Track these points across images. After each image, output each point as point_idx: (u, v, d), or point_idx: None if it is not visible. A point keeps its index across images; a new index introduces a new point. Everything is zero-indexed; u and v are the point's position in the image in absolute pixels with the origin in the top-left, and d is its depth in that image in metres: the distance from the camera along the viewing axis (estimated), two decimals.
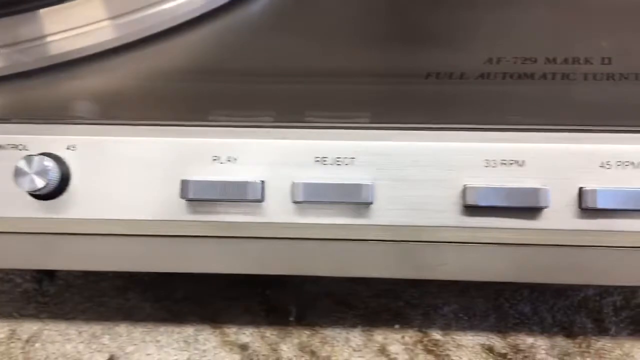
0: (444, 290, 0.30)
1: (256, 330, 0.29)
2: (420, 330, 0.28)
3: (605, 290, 0.30)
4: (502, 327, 0.28)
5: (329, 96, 0.25)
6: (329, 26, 0.29)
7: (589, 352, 0.27)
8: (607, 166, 0.22)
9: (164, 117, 0.24)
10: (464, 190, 0.22)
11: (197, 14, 0.30)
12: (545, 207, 0.22)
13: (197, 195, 0.22)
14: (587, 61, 0.26)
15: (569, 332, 0.28)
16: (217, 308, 0.29)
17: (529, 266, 0.23)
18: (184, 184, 0.22)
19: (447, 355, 0.27)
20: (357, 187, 0.22)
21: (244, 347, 0.28)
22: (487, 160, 0.23)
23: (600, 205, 0.22)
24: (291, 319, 0.29)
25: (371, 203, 0.23)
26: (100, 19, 0.28)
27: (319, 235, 0.23)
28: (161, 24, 0.29)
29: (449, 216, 0.23)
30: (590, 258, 0.23)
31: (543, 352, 0.27)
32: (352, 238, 0.23)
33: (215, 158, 0.23)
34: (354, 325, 0.29)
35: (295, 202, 0.23)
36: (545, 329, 0.28)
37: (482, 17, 0.28)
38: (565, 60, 0.26)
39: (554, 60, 0.26)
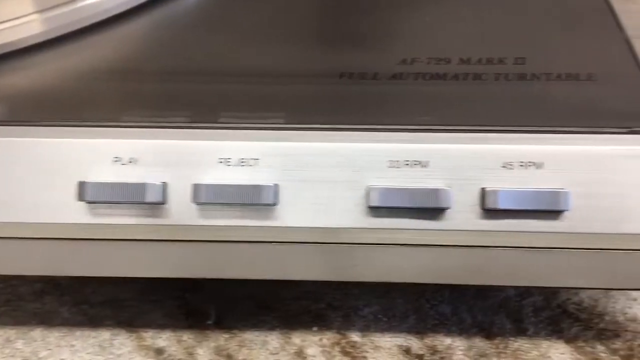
0: (366, 292, 0.30)
1: (173, 334, 0.28)
2: (338, 332, 0.28)
3: (526, 291, 0.30)
4: (421, 328, 0.28)
5: (243, 97, 0.25)
6: (245, 26, 0.28)
7: (505, 353, 0.27)
8: (510, 167, 0.22)
9: (74, 118, 0.24)
10: (368, 191, 0.22)
11: (121, 9, 0.29)
12: (448, 207, 0.22)
13: (95, 198, 0.22)
14: (500, 61, 0.26)
15: (488, 333, 0.28)
16: (135, 312, 0.29)
17: (434, 267, 0.23)
18: (82, 185, 0.22)
19: (364, 357, 0.27)
20: (258, 189, 0.22)
21: (159, 352, 0.28)
22: (391, 160, 0.22)
23: (501, 206, 0.22)
24: (210, 322, 0.28)
25: (275, 205, 0.22)
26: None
27: (223, 238, 0.23)
28: (80, 21, 0.28)
29: (354, 217, 0.22)
30: (494, 259, 0.23)
31: (460, 353, 0.27)
32: (257, 240, 0.23)
33: (116, 159, 0.23)
34: (272, 328, 0.28)
35: (198, 204, 0.22)
36: (464, 330, 0.28)
37: (398, 18, 0.28)
38: (479, 61, 0.26)
39: (468, 60, 0.26)
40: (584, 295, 0.29)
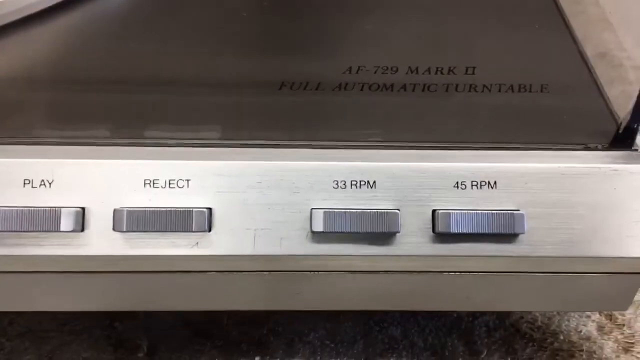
0: (311, 316, 0.28)
1: None
2: None
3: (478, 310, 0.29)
4: (370, 353, 0.27)
5: (171, 109, 0.23)
6: (177, 31, 0.26)
7: None
8: (462, 186, 0.21)
9: None
10: (311, 215, 0.20)
11: (35, 9, 0.26)
12: (397, 232, 0.20)
13: (3, 227, 0.19)
14: (450, 71, 0.25)
15: (440, 357, 0.27)
16: (58, 343, 0.26)
17: (383, 294, 0.21)
18: None
19: None
20: (190, 214, 0.20)
21: None
22: (336, 181, 0.21)
23: (454, 230, 0.20)
24: (141, 354, 0.26)
25: (207, 231, 0.20)
26: None
27: (150, 268, 0.20)
28: None
29: (297, 243, 0.21)
30: (446, 284, 0.21)
31: None
32: (188, 270, 0.21)
33: (26, 181, 0.20)
34: (211, 358, 0.26)
35: (119, 232, 0.20)
36: (415, 354, 0.27)
37: (343, 23, 0.26)
38: (428, 70, 0.25)
39: (416, 70, 0.25)
40: (537, 313, 0.28)
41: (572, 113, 0.23)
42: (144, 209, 0.19)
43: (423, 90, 0.24)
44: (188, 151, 0.21)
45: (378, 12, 0.26)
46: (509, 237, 0.20)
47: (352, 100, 0.23)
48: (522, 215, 0.20)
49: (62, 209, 0.19)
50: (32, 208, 0.19)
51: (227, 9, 0.27)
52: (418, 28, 0.26)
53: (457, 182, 0.21)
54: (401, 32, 0.26)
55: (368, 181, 0.21)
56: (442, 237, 0.20)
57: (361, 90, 0.24)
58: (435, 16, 0.27)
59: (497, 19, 0.27)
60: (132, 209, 0.19)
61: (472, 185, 0.21)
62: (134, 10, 0.26)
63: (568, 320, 0.28)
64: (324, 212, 0.20)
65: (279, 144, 0.21)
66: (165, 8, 0.27)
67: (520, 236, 0.20)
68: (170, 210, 0.20)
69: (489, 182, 0.21)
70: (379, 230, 0.20)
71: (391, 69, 0.25)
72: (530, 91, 0.24)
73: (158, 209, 0.20)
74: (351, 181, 0.21)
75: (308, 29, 0.26)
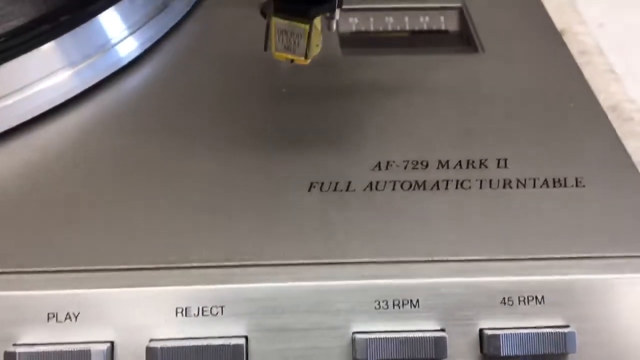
0: None
1: None
2: None
3: None
4: None
5: (193, 226, 0.21)
6: (188, 126, 0.25)
7: None
8: (509, 302, 0.20)
9: None
10: (354, 341, 0.19)
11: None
12: (444, 358, 0.19)
13: None
14: (482, 164, 0.24)
15: None
16: None
17: None
18: (9, 357, 0.18)
19: None
20: (226, 349, 0.18)
21: None
22: (377, 300, 0.20)
23: (503, 352, 0.19)
24: None
25: None
26: None
27: None
28: None
29: None
30: None
31: None
32: None
33: (51, 315, 0.19)
34: None
35: None
36: None
37: (368, 114, 0.26)
38: (459, 164, 0.24)
39: (447, 163, 0.24)
40: None
41: (612, 212, 0.22)
42: (178, 345, 0.18)
43: (457, 187, 0.23)
44: (219, 274, 0.20)
45: (400, 102, 0.26)
46: (560, 356, 0.20)
47: (384, 203, 0.22)
48: (573, 334, 0.19)
49: (92, 350, 0.18)
50: (59, 348, 0.18)
51: (244, 106, 0.26)
52: (443, 117, 0.26)
53: (504, 298, 0.20)
54: (426, 121, 0.25)
55: (411, 300, 0.20)
56: (490, 359, 0.19)
57: (393, 189, 0.23)
58: (459, 103, 0.26)
59: (521, 103, 0.26)
60: (165, 346, 0.18)
61: (519, 301, 0.20)
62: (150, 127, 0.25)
63: None
64: (368, 340, 0.19)
65: (313, 263, 0.20)
66: (184, 106, 0.25)
67: (570, 356, 0.20)
68: (207, 346, 0.18)
69: (536, 297, 0.20)
70: (426, 357, 0.19)
71: (421, 163, 0.24)
72: (565, 186, 0.23)
73: (193, 344, 0.18)
74: (393, 300, 0.20)
75: (333, 123, 0.25)
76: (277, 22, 0.20)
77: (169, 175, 0.23)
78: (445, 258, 0.20)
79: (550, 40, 0.30)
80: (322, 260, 0.20)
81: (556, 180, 0.23)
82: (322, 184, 0.23)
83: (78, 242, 0.20)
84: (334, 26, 0.21)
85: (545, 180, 0.23)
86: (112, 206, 0.21)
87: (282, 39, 0.20)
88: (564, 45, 0.30)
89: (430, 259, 0.20)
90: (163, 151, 0.24)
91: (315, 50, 0.20)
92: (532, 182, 0.23)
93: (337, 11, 0.20)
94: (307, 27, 0.20)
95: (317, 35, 0.20)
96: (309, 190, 0.23)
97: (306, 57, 0.20)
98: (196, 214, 0.21)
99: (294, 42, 0.20)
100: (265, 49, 0.20)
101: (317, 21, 0.20)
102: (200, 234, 0.21)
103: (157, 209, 0.21)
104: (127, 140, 0.24)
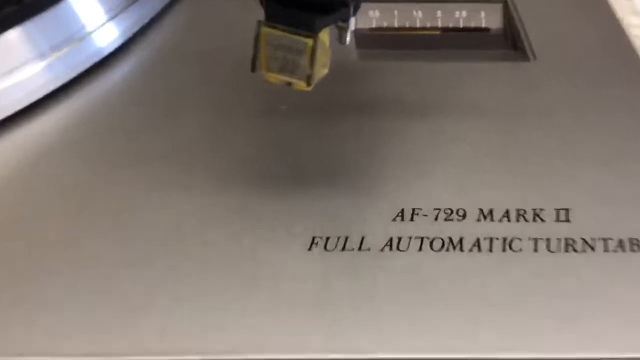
0: None
1: None
2: None
3: None
4: None
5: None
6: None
7: None
8: None
9: None
10: None
11: None
12: None
13: None
14: (537, 215, 0.18)
15: None
16: None
17: None
18: None
19: None
20: None
21: None
22: None
23: None
24: None
25: None
26: None
27: None
28: None
29: None
30: None
31: None
32: None
33: None
34: None
35: None
36: None
37: (389, 146, 0.20)
38: (507, 214, 0.18)
39: (491, 213, 0.18)
40: None
41: None
42: None
43: (504, 249, 0.18)
44: None
45: (434, 127, 0.20)
46: None
47: (406, 271, 0.17)
48: None
49: None
50: None
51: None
52: (488, 148, 0.20)
53: None
54: (466, 154, 0.20)
55: None
56: None
57: (420, 249, 0.18)
58: (508, 129, 0.20)
59: (591, 129, 0.21)
60: None
61: None
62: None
63: None
64: None
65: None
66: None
67: None
68: None
69: None
70: None
71: (457, 212, 0.19)
72: None
73: None
74: None
75: (343, 153, 0.20)
76: (270, 33, 0.14)
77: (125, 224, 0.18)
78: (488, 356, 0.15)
79: (617, 43, 0.24)
80: (343, 356, 0.15)
81: (634, 241, 0.18)
82: (328, 239, 0.18)
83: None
84: (348, 38, 0.15)
85: (620, 241, 0.18)
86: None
87: (277, 56, 0.14)
88: (632, 50, 0.24)
89: (470, 357, 0.15)
90: (131, 186, 0.19)
91: (321, 73, 0.15)
92: (603, 243, 0.18)
93: (352, 20, 0.15)
94: (310, 41, 0.14)
95: (324, 53, 0.15)
96: (309, 249, 0.17)
97: (308, 82, 0.14)
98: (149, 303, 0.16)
99: (293, 61, 0.14)
100: (253, 69, 0.15)
101: (325, 34, 0.15)
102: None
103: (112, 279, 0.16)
104: (94, 169, 0.19)
